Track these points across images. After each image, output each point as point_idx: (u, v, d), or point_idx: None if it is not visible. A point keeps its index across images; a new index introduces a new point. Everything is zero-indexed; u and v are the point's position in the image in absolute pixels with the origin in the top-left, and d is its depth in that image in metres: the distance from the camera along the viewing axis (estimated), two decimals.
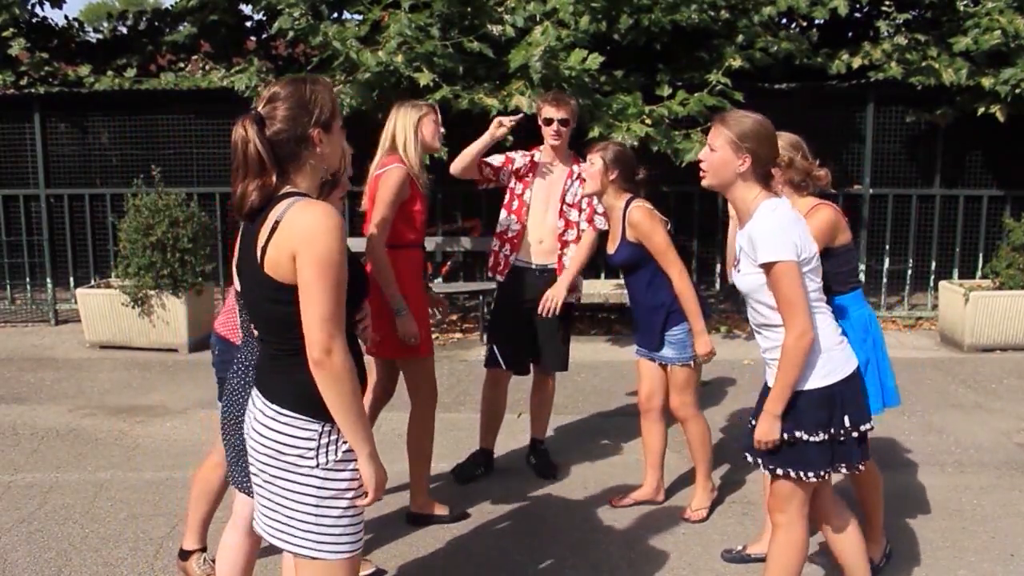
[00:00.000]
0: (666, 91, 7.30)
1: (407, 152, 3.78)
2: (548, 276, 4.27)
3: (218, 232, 8.19)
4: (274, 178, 2.09)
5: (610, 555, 3.67)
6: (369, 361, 3.74)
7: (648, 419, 4.07)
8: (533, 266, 4.30)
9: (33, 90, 8.38)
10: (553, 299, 4.15)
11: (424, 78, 6.55)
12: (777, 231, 2.58)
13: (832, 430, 2.66)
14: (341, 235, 2.03)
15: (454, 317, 8.26)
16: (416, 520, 3.92)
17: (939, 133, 8.14)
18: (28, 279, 8.48)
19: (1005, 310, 7.10)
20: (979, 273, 8.17)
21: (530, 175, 4.31)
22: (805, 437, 2.65)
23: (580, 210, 4.27)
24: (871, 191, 8.12)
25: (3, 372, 6.57)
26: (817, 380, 2.65)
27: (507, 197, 4.36)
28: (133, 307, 7.02)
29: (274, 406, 2.13)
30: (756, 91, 7.34)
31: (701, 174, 2.75)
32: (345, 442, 2.12)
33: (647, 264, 3.82)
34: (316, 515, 2.12)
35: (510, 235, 4.32)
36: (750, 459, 2.84)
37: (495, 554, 3.68)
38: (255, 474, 2.21)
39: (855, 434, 2.71)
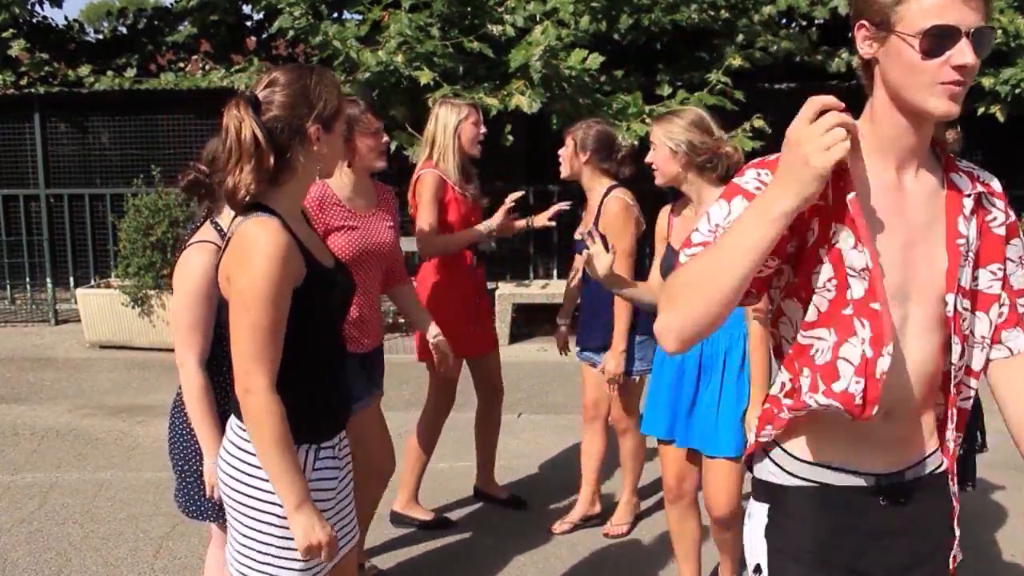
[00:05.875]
0: (666, 91, 7.31)
1: (444, 158, 3.65)
2: None
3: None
4: (271, 163, 1.84)
5: (609, 554, 3.67)
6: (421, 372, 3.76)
7: (592, 428, 3.85)
8: None
9: (33, 90, 8.38)
10: None
11: (424, 78, 6.55)
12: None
13: None
14: (278, 268, 1.79)
15: None
16: (396, 519, 3.87)
17: None
18: (28, 279, 8.48)
19: None
20: None
21: None
22: None
23: None
24: None
25: (3, 372, 6.57)
26: None
27: None
28: (133, 307, 7.02)
29: (238, 420, 1.95)
30: (756, 91, 7.34)
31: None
32: (318, 468, 1.95)
33: None
34: (276, 561, 1.91)
35: None
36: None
37: (496, 556, 3.68)
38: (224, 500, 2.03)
39: None
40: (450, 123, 3.66)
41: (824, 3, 7.78)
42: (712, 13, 7.27)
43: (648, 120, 6.76)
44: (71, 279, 8.46)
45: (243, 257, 1.81)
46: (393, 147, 7.17)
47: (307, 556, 1.87)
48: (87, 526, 3.93)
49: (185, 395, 2.32)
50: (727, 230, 1.35)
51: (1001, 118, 7.46)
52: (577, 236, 3.72)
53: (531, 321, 7.57)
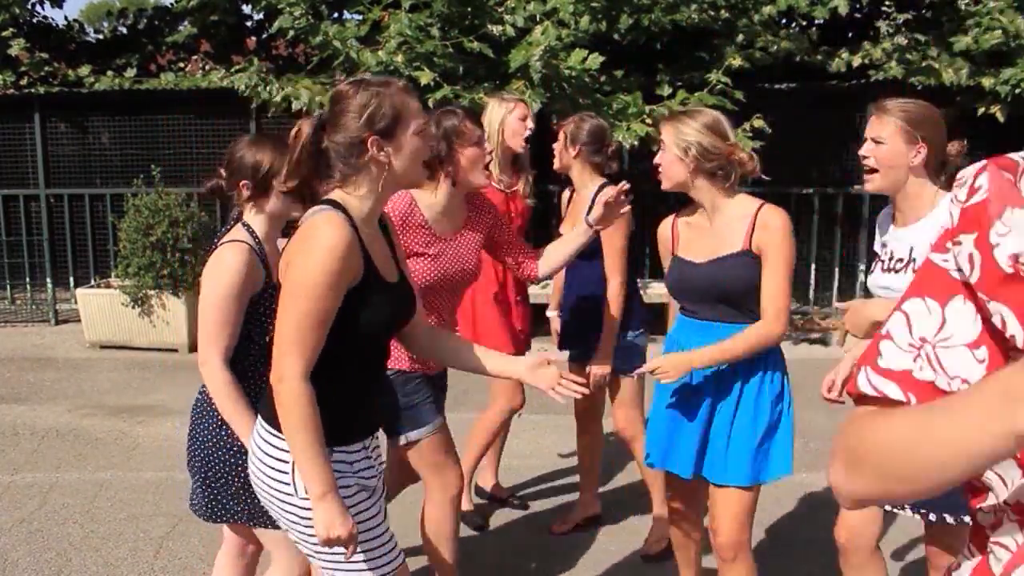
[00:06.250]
0: (666, 91, 7.30)
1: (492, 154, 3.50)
2: None
3: (218, 232, 8.18)
4: (314, 186, 1.98)
5: (609, 554, 3.67)
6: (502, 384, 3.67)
7: (584, 432, 3.82)
8: None
9: (33, 90, 8.38)
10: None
11: (424, 78, 6.55)
12: None
13: None
14: (334, 261, 1.84)
15: None
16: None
17: None
18: (28, 279, 8.48)
19: None
20: None
21: None
22: None
23: None
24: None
25: (3, 372, 6.57)
26: None
27: None
28: (133, 307, 7.02)
29: (261, 420, 2.05)
30: (756, 91, 7.34)
31: (867, 177, 2.49)
32: (339, 472, 1.96)
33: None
34: (314, 554, 2.00)
35: None
36: (908, 512, 2.46)
37: (496, 555, 3.68)
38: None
39: None
40: (495, 117, 3.58)
41: (824, 3, 7.77)
42: (712, 13, 7.27)
43: (648, 120, 6.76)
44: (71, 279, 8.47)
45: (303, 246, 1.87)
46: None
47: (326, 547, 1.90)
48: (87, 526, 3.93)
49: (212, 392, 2.30)
50: (944, 406, 0.86)
51: (1001, 118, 7.46)
52: (563, 231, 3.61)
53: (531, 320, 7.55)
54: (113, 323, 7.16)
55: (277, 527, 2.31)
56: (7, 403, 5.78)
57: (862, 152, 2.48)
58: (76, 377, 6.44)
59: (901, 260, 2.48)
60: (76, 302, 7.69)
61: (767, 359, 2.61)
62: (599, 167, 3.55)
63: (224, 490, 2.38)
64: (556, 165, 3.63)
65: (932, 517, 2.42)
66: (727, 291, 2.57)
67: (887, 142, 2.43)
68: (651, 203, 6.89)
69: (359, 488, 2.03)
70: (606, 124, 3.73)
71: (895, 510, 2.52)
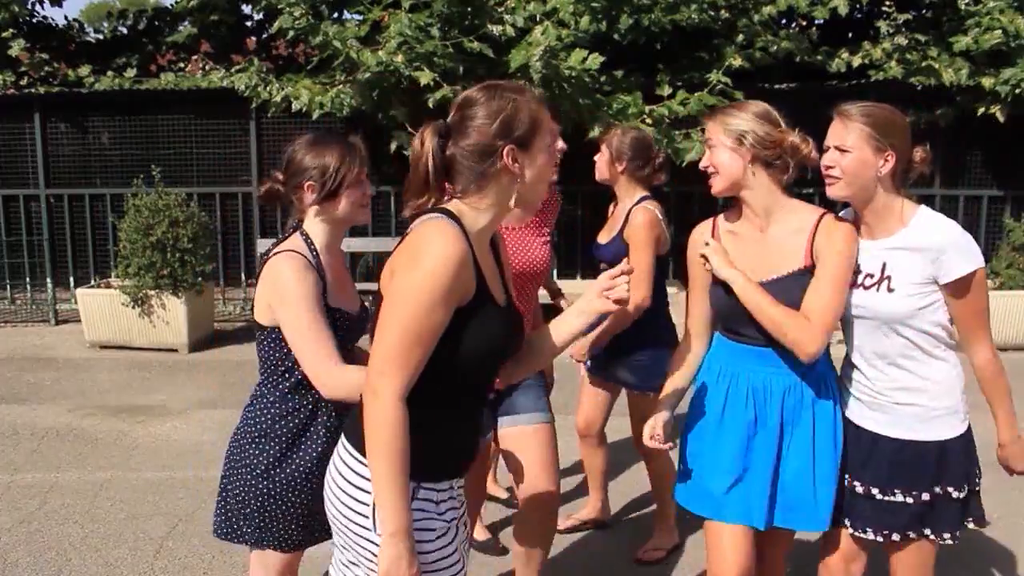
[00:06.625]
0: (666, 91, 7.31)
1: None
2: None
3: (218, 232, 8.19)
4: (431, 201, 1.79)
5: (609, 554, 3.67)
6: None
7: (587, 444, 3.77)
8: None
9: (33, 90, 8.39)
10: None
11: (424, 78, 6.55)
12: (966, 235, 2.22)
13: (970, 482, 2.33)
14: (445, 274, 1.67)
15: None
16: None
17: (939, 133, 8.14)
18: (28, 279, 8.48)
19: (1005, 310, 7.10)
20: None
21: None
22: (952, 492, 2.30)
23: None
24: None
25: (3, 372, 6.57)
26: (961, 423, 2.31)
27: None
28: (133, 307, 7.02)
29: (345, 442, 1.87)
30: (756, 91, 7.34)
31: (830, 183, 2.29)
32: (417, 509, 1.77)
33: None
34: None
35: None
36: (856, 531, 2.39)
37: (496, 554, 3.67)
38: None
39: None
40: None
41: (824, 3, 7.78)
42: (712, 13, 7.27)
43: (648, 120, 6.76)
44: (71, 279, 8.47)
45: (412, 255, 1.71)
46: (393, 147, 7.19)
47: None
48: (87, 526, 3.93)
49: (344, 393, 2.07)
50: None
51: (1001, 118, 7.46)
52: (600, 239, 3.59)
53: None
54: (113, 323, 7.16)
55: (281, 550, 2.28)
56: (7, 403, 5.78)
57: (825, 161, 2.28)
58: (76, 377, 6.44)
59: (871, 276, 2.28)
60: (76, 302, 7.69)
61: (830, 386, 2.37)
62: (645, 180, 3.50)
63: (238, 510, 2.28)
64: (598, 176, 3.56)
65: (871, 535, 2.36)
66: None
67: (852, 150, 2.23)
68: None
69: (439, 533, 1.85)
70: (649, 135, 3.67)
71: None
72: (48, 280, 8.33)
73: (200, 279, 7.12)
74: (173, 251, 6.90)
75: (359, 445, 1.78)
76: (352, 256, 8.53)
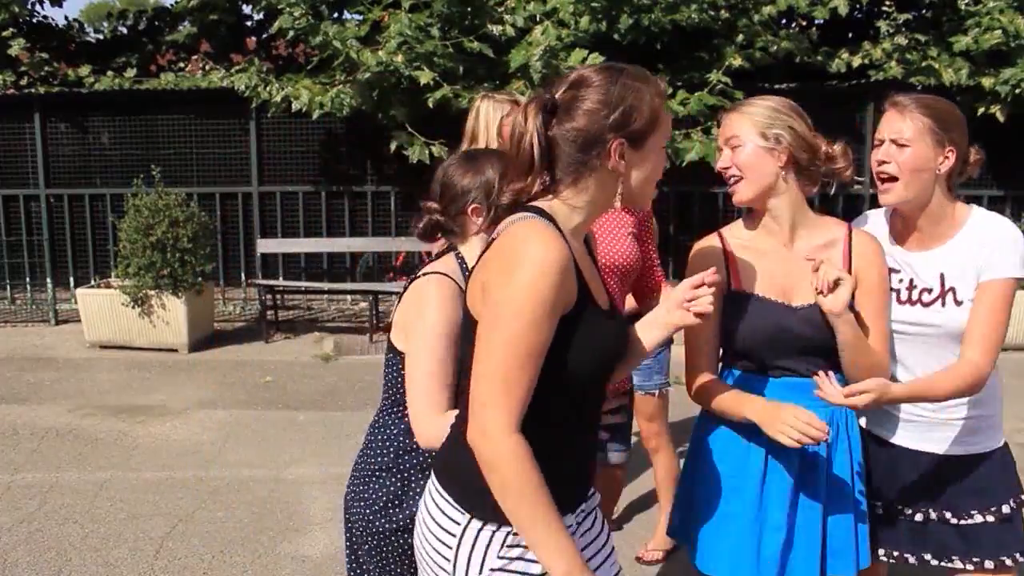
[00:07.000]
0: (666, 90, 7.31)
1: None
2: None
3: (218, 232, 8.19)
4: (536, 185, 1.57)
5: None
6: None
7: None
8: None
9: (33, 90, 8.39)
10: None
11: (424, 78, 6.56)
12: (1022, 240, 1.99)
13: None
14: (549, 282, 1.45)
15: None
16: None
17: None
18: (28, 279, 8.48)
19: None
20: None
21: None
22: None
23: None
24: (871, 191, 8.11)
25: (3, 372, 6.57)
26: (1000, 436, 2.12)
27: None
28: (133, 307, 7.02)
29: (434, 478, 1.66)
30: (756, 91, 7.33)
31: (883, 187, 2.04)
32: (512, 557, 1.54)
33: None
34: None
35: None
36: (941, 562, 2.11)
37: None
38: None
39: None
40: (493, 119, 3.22)
41: (824, 3, 7.78)
42: (712, 13, 7.28)
43: None
44: (71, 279, 8.47)
45: (507, 263, 1.47)
46: (393, 147, 7.19)
47: None
48: (87, 526, 3.93)
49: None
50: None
51: (1001, 118, 7.46)
52: None
53: None
54: (113, 323, 7.16)
55: None
56: (7, 403, 5.78)
57: (879, 156, 2.01)
58: (76, 377, 6.44)
59: (929, 291, 2.04)
60: (76, 302, 7.69)
61: (850, 411, 2.06)
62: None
63: (359, 545, 2.05)
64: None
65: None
66: (834, 342, 1.99)
67: (912, 144, 1.97)
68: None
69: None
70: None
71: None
72: (48, 280, 8.33)
73: (200, 279, 7.12)
74: (173, 251, 6.90)
75: (448, 483, 1.62)
76: (352, 256, 8.53)
